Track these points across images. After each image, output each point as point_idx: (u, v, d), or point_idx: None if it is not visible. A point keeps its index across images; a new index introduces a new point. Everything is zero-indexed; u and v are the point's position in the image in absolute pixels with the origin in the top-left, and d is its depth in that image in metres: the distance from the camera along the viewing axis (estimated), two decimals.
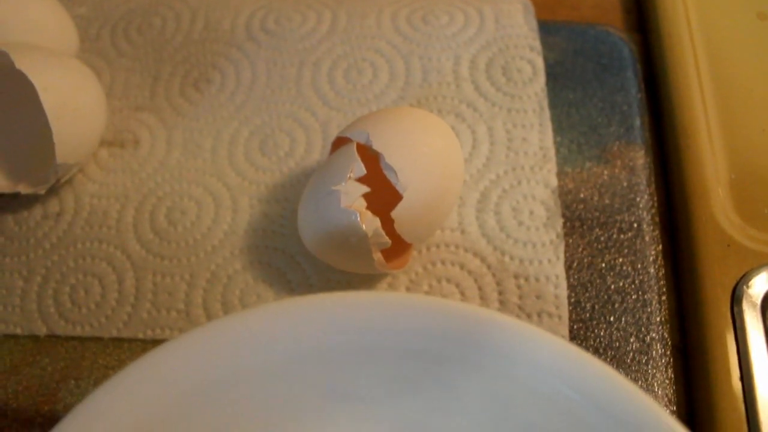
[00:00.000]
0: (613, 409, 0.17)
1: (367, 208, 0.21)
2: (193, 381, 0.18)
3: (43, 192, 0.25)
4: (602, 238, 0.24)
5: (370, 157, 0.22)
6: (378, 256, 0.21)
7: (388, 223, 0.21)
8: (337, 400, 0.20)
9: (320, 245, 0.22)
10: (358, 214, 0.21)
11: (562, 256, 0.24)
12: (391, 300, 0.18)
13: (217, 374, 0.18)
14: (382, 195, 0.22)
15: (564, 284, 0.23)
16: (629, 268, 0.24)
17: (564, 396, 0.18)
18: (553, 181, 0.25)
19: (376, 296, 0.18)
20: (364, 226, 0.21)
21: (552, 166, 0.25)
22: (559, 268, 0.23)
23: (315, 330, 0.18)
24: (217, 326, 0.18)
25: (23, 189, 0.25)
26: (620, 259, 0.24)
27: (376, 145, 0.21)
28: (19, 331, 0.24)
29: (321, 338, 0.18)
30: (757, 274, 0.24)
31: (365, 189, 0.21)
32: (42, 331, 0.24)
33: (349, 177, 0.21)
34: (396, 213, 0.21)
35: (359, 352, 0.19)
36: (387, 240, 0.21)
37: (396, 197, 0.21)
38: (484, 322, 0.18)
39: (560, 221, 0.24)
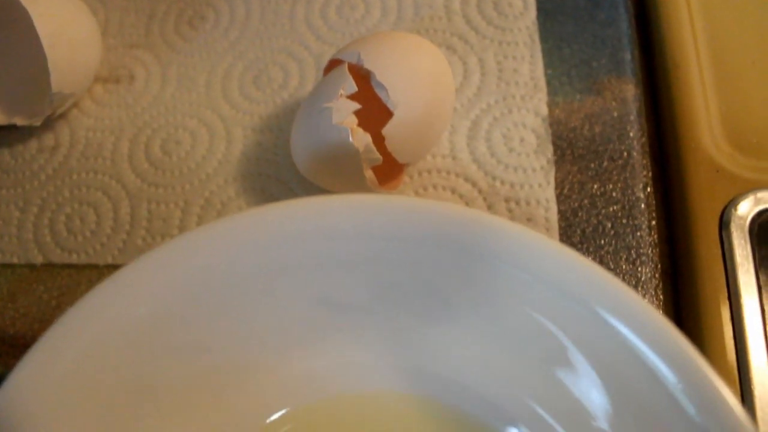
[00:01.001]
0: (609, 312, 0.17)
1: (359, 126, 0.21)
2: (183, 284, 0.18)
3: (38, 124, 0.25)
4: (592, 166, 0.25)
5: (363, 77, 0.22)
6: (369, 173, 0.22)
7: (380, 145, 0.21)
8: (329, 309, 0.20)
9: (312, 166, 0.22)
10: (349, 130, 0.21)
11: (552, 180, 0.24)
12: (383, 202, 0.18)
13: (208, 279, 0.18)
14: (375, 116, 0.22)
15: (554, 208, 0.24)
16: (619, 194, 0.24)
17: (562, 300, 0.17)
18: (544, 110, 0.25)
19: (368, 198, 0.18)
20: (355, 142, 0.21)
21: (543, 96, 0.25)
22: (550, 192, 0.24)
23: (306, 233, 0.18)
24: (205, 230, 0.18)
25: (19, 121, 0.25)
26: (610, 186, 0.24)
27: (368, 65, 0.21)
28: (15, 260, 0.24)
29: (312, 242, 0.18)
30: (745, 198, 0.24)
31: (356, 106, 0.21)
32: (38, 259, 0.24)
33: (341, 95, 0.21)
34: (387, 130, 0.21)
35: (350, 259, 0.19)
36: (378, 156, 0.21)
37: (388, 117, 0.21)
38: (477, 222, 0.18)
39: (550, 148, 0.24)
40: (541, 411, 0.19)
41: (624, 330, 0.16)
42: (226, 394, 0.20)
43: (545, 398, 0.19)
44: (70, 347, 0.18)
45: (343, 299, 0.20)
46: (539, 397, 0.19)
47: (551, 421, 0.18)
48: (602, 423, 0.17)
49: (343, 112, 0.21)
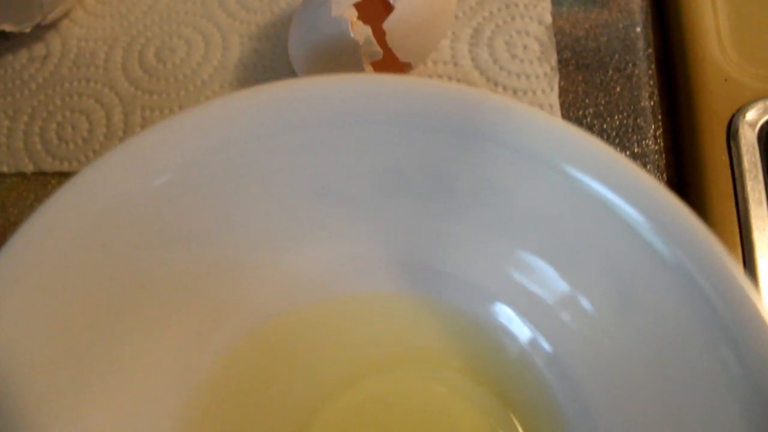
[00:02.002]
0: (609, 186, 0.16)
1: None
2: (174, 168, 0.17)
3: (28, 30, 0.24)
4: (598, 75, 0.24)
5: None
6: (369, 68, 0.21)
7: (381, 42, 0.21)
8: (328, 199, 0.19)
9: (311, 64, 0.22)
10: (348, 22, 0.20)
11: (556, 87, 0.23)
12: (380, 81, 0.18)
13: (199, 163, 0.18)
14: (376, 16, 0.21)
15: (558, 114, 0.23)
16: (625, 104, 0.24)
17: (569, 179, 0.17)
18: (548, 18, 0.24)
19: (364, 78, 0.18)
20: (355, 34, 0.20)
21: (546, 5, 0.24)
22: (554, 98, 0.23)
23: (301, 115, 0.18)
24: (193, 112, 0.17)
25: (8, 27, 0.24)
26: (615, 95, 0.24)
27: None
28: (5, 168, 0.24)
29: (308, 124, 0.18)
30: (753, 106, 0.23)
31: None
32: (29, 168, 0.24)
33: None
34: (387, 24, 0.21)
35: (347, 144, 0.18)
36: (378, 50, 0.21)
37: (388, 15, 0.21)
38: (478, 102, 0.17)
39: (554, 55, 0.24)
40: (526, 284, 0.18)
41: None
42: (225, 289, 0.20)
43: (532, 278, 0.18)
44: (55, 234, 0.17)
45: (342, 188, 0.19)
46: (527, 276, 0.18)
47: (536, 291, 0.18)
48: (582, 294, 0.17)
49: (343, 4, 0.21)
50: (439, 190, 0.19)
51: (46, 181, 0.24)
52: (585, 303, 0.17)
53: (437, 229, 0.19)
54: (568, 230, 0.17)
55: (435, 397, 0.20)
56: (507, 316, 0.19)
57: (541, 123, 0.17)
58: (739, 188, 0.23)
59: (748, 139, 0.23)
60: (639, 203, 0.15)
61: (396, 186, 0.19)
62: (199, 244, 0.19)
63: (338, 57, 0.21)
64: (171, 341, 0.20)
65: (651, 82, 0.24)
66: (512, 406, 0.19)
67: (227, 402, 0.20)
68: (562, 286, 0.18)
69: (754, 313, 0.13)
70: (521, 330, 0.18)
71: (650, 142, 0.23)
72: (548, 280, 0.18)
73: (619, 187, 0.15)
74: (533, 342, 0.18)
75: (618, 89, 0.24)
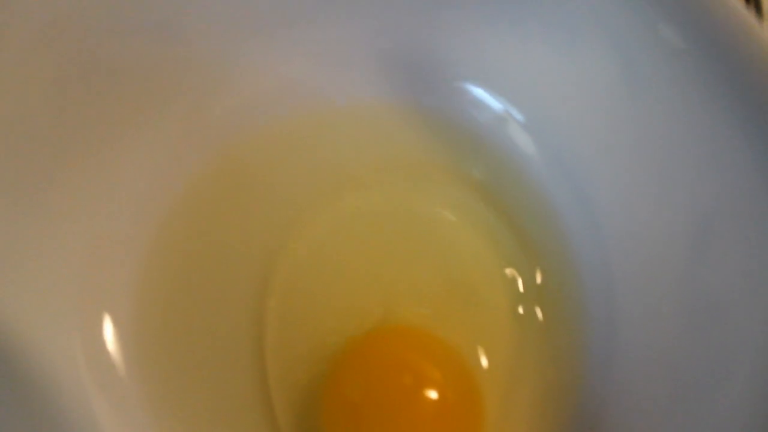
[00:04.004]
0: None
1: None
2: None
3: None
4: None
5: None
6: None
7: None
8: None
9: None
10: None
11: None
12: None
13: None
14: None
15: None
16: None
17: None
18: None
19: None
20: None
21: None
22: None
23: None
24: None
25: None
26: None
27: None
28: None
29: None
30: None
31: None
32: None
33: None
34: None
35: None
36: None
37: None
38: None
39: None
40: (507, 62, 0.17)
41: None
42: (201, 93, 0.19)
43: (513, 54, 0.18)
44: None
45: None
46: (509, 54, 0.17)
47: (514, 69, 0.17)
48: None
49: None
50: None
51: None
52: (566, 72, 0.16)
53: (429, 16, 0.18)
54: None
55: (420, 204, 0.19)
56: (483, 96, 0.18)
57: None
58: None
59: None
60: None
61: None
62: (173, 34, 0.18)
63: None
64: (147, 151, 0.19)
65: None
66: (502, 206, 0.18)
67: (209, 211, 0.19)
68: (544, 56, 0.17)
69: None
70: (493, 104, 0.18)
71: None
72: (529, 55, 0.17)
73: None
74: (507, 114, 0.18)
75: None
